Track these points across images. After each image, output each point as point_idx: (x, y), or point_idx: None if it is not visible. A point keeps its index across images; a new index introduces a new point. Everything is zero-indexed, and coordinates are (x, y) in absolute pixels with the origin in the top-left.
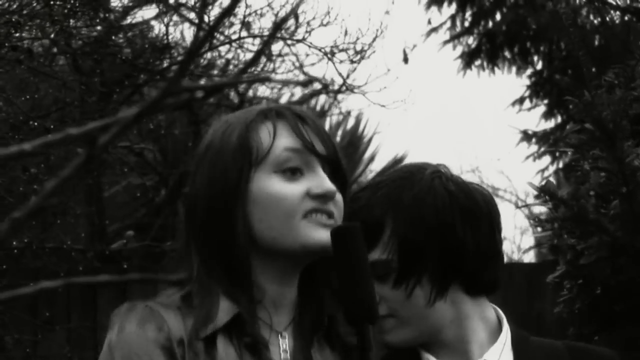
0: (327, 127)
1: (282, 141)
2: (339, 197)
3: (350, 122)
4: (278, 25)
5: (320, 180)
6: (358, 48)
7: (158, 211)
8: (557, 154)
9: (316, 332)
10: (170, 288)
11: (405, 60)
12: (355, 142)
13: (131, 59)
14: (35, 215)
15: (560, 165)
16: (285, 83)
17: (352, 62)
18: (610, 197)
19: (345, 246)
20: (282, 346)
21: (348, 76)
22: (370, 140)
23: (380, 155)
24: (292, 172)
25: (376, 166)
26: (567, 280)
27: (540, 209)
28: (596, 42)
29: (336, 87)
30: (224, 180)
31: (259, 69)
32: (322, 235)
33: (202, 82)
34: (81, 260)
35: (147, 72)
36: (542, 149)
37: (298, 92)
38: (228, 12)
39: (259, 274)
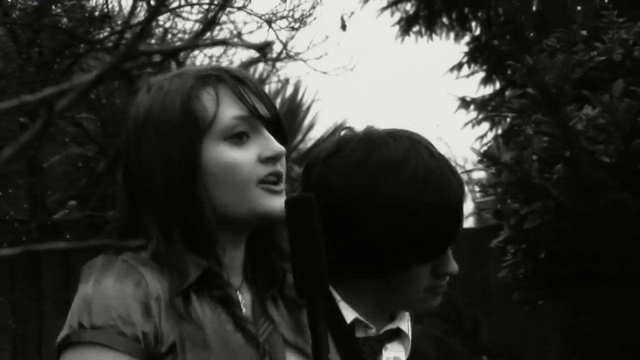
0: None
1: (227, 109)
2: (284, 156)
3: (289, 90)
4: None
5: (269, 143)
6: (297, 15)
7: (98, 181)
8: (497, 120)
9: (269, 289)
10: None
11: (343, 27)
12: (294, 110)
13: (70, 28)
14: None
15: (500, 131)
16: (243, 45)
17: (292, 29)
18: (554, 162)
19: (299, 217)
20: (242, 301)
21: (287, 43)
22: (309, 108)
23: (319, 123)
24: (239, 137)
25: (315, 134)
26: (510, 245)
27: (480, 175)
28: (534, 8)
29: (275, 54)
30: (176, 154)
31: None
32: (274, 204)
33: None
34: (24, 231)
35: (87, 42)
36: (481, 116)
37: (237, 60)
38: None
39: (215, 239)
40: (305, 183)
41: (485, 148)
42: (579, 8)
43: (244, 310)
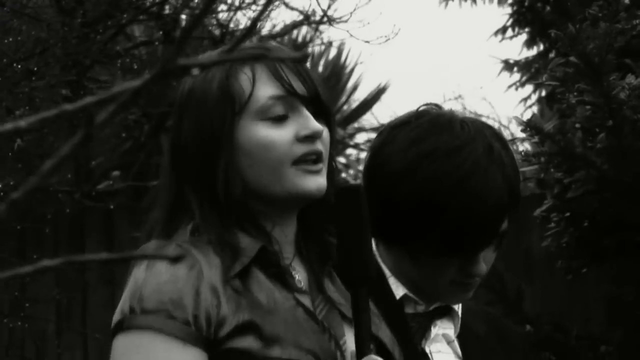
0: (309, 57)
1: (263, 88)
2: (325, 134)
3: (332, 53)
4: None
5: (306, 121)
6: None
7: (141, 148)
8: (541, 80)
9: (324, 265)
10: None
11: None
12: (337, 73)
13: None
14: (32, 194)
15: (543, 94)
16: (279, 59)
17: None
18: (597, 131)
19: (347, 206)
20: (296, 277)
21: (329, 7)
22: (352, 70)
23: (363, 85)
24: (278, 119)
25: (359, 96)
26: (554, 214)
27: (524, 144)
28: None
29: (317, 18)
30: (210, 131)
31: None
32: (310, 184)
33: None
34: (68, 201)
35: (132, 10)
36: (524, 78)
37: (280, 23)
38: None
39: (260, 214)
40: (370, 145)
41: (528, 113)
42: None
43: (299, 285)
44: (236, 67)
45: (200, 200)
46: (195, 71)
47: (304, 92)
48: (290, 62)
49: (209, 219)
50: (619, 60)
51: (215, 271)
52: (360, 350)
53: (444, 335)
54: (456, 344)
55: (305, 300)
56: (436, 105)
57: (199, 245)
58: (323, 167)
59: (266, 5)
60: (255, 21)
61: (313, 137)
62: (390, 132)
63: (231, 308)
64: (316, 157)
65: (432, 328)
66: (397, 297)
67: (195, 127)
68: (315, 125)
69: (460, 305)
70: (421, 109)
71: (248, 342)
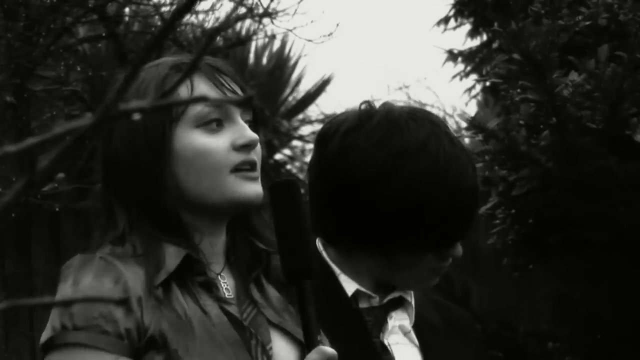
0: (252, 50)
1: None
2: (259, 145)
3: (276, 45)
4: None
5: (242, 130)
6: None
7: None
8: (484, 72)
9: (251, 273)
10: (105, 242)
11: None
12: (281, 65)
13: None
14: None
15: (488, 84)
16: (222, 102)
17: None
18: (541, 128)
19: (284, 202)
20: (224, 286)
21: (271, 2)
22: (296, 62)
23: (307, 78)
24: (212, 125)
25: (303, 87)
26: (499, 211)
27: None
28: None
29: (261, 11)
30: (145, 138)
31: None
32: (249, 190)
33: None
34: (13, 206)
35: (75, 11)
36: (468, 68)
37: (222, 15)
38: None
39: (189, 226)
40: (320, 153)
41: (473, 103)
42: None
43: (226, 294)
44: (172, 75)
45: (128, 209)
46: (136, 116)
47: (242, 99)
48: (228, 71)
49: (136, 228)
50: (562, 57)
51: (138, 282)
52: (310, 341)
53: (400, 327)
54: (412, 334)
55: (232, 310)
56: (368, 101)
57: (122, 257)
58: (258, 175)
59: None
60: (150, 48)
61: (249, 146)
62: (345, 139)
63: (152, 318)
64: (251, 167)
65: (388, 321)
66: (349, 293)
67: (128, 136)
68: (251, 134)
69: (412, 295)
70: (362, 109)
71: (161, 357)
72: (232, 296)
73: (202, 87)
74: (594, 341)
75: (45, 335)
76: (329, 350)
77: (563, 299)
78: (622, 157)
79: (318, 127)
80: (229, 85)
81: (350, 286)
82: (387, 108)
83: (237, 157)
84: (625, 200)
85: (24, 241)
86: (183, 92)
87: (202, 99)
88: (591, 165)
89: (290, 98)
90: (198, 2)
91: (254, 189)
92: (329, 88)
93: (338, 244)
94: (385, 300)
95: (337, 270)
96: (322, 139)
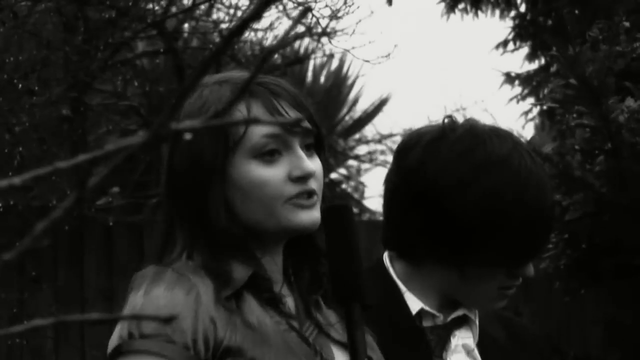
0: (310, 68)
1: (258, 127)
2: (318, 172)
3: (334, 64)
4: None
5: (299, 161)
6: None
7: (139, 162)
8: (541, 96)
9: (312, 294)
10: (165, 259)
11: (389, 1)
12: (339, 84)
13: (118, 9)
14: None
15: (545, 107)
16: (272, 124)
17: (335, 17)
18: (595, 153)
19: (336, 224)
20: (286, 304)
21: (330, 22)
22: (354, 81)
23: (364, 97)
24: (270, 154)
25: (360, 107)
26: (552, 236)
27: None
28: None
29: (319, 30)
30: (202, 165)
31: (238, 10)
32: (303, 218)
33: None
34: (67, 219)
35: (133, 27)
36: (525, 91)
37: (281, 34)
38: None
39: (248, 244)
40: (399, 164)
41: (529, 126)
42: None
43: (290, 312)
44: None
45: (190, 229)
46: (187, 136)
47: (301, 128)
48: (289, 95)
49: (199, 247)
50: (618, 83)
51: (210, 294)
52: None
53: (464, 346)
54: (476, 352)
55: (297, 326)
56: (450, 116)
57: (194, 270)
58: (317, 200)
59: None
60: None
61: (305, 178)
62: (427, 149)
63: (225, 330)
64: (308, 196)
65: (451, 339)
66: (414, 311)
67: (187, 159)
68: (307, 165)
69: (476, 313)
70: (446, 122)
71: None
72: (293, 314)
73: (258, 111)
74: None
75: (112, 344)
76: None
77: (613, 324)
78: None
79: (374, 147)
80: (286, 111)
81: (414, 304)
82: (471, 122)
83: (293, 189)
84: None
85: (76, 254)
86: (239, 117)
87: (254, 121)
88: None
89: (347, 117)
90: (256, 20)
91: (309, 216)
92: (386, 108)
93: (410, 257)
94: (449, 319)
95: (402, 287)
96: (401, 151)
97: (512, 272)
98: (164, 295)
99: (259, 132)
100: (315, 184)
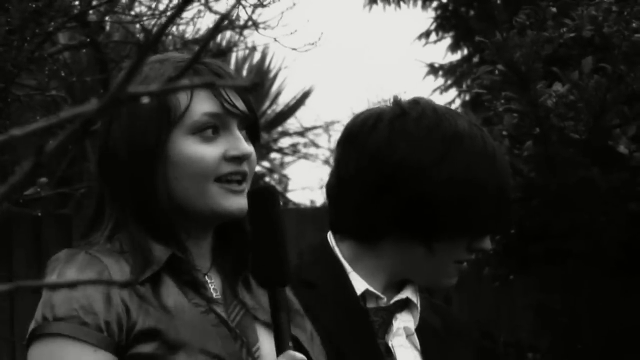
0: (233, 61)
1: (200, 104)
2: (253, 156)
3: (257, 57)
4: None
5: (236, 142)
6: None
7: (65, 153)
8: (464, 86)
9: (239, 274)
10: (90, 239)
11: None
12: (261, 77)
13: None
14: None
15: (467, 98)
16: (233, 86)
17: (261, 5)
18: (524, 139)
19: (261, 208)
20: (211, 286)
21: (253, 12)
22: (276, 74)
23: (287, 90)
24: (207, 133)
25: (283, 100)
26: None
27: None
28: None
29: (241, 22)
30: (143, 141)
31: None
32: (232, 203)
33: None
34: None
35: (59, 18)
36: (449, 82)
37: (204, 27)
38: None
39: (176, 225)
40: (362, 147)
41: None
42: None
43: (214, 294)
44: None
45: (120, 207)
46: (145, 99)
47: (241, 111)
48: (230, 79)
49: (125, 225)
50: (546, 69)
51: (122, 277)
52: (280, 347)
53: (405, 329)
54: (415, 337)
55: (219, 309)
56: (395, 96)
57: (109, 253)
58: (246, 187)
59: (181, 7)
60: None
61: (241, 158)
62: (392, 127)
63: (138, 313)
64: (241, 178)
65: (393, 322)
66: (359, 292)
67: (126, 135)
68: (245, 147)
69: (418, 298)
70: (398, 99)
71: (152, 348)
72: (219, 296)
73: (201, 94)
74: (574, 351)
75: (30, 328)
76: (298, 355)
77: (543, 309)
78: (605, 168)
79: (297, 139)
80: (227, 93)
81: (360, 285)
82: (427, 99)
83: (227, 168)
84: (605, 211)
85: (5, 245)
86: (182, 95)
87: (209, 85)
88: (573, 176)
89: (269, 110)
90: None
91: (237, 202)
92: (308, 101)
93: (365, 238)
94: (392, 301)
95: (348, 267)
96: (359, 134)
97: (471, 246)
98: (74, 277)
99: (200, 110)
100: (248, 169)
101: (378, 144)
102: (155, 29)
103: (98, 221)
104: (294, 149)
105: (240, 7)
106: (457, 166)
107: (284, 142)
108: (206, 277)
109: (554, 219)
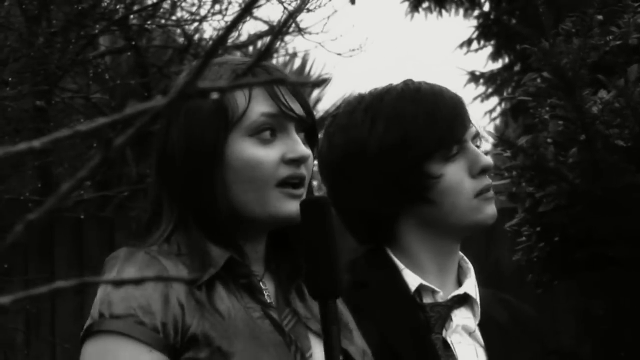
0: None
1: (257, 105)
2: (310, 159)
3: (297, 63)
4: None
5: (294, 144)
6: None
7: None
8: (505, 94)
9: (293, 282)
10: (148, 240)
11: (352, 1)
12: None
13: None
14: (50, 216)
15: (508, 106)
16: (301, 84)
17: (307, 10)
18: (569, 145)
19: (313, 218)
20: (266, 292)
21: (296, 18)
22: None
23: (327, 96)
24: (265, 135)
25: (323, 107)
26: (525, 228)
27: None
28: None
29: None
30: (201, 143)
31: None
32: (291, 208)
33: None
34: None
35: (103, 21)
36: (490, 90)
37: (245, 33)
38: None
39: (233, 229)
40: (321, 165)
41: (493, 124)
42: None
43: (268, 299)
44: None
45: (179, 209)
46: (214, 95)
47: (299, 114)
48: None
49: (184, 227)
50: (591, 76)
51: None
52: (330, 359)
53: (464, 327)
54: (478, 333)
55: (273, 314)
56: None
57: (168, 255)
58: (304, 192)
59: (239, 18)
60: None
61: (299, 161)
62: (327, 130)
63: (193, 317)
64: (299, 181)
65: (452, 317)
66: (413, 288)
67: (185, 138)
68: (303, 149)
69: (477, 293)
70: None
71: (205, 354)
72: (272, 302)
73: (258, 93)
74: (616, 358)
75: (85, 325)
76: None
77: (585, 315)
78: None
79: None
80: (285, 97)
81: (413, 280)
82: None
83: (286, 171)
84: None
85: (46, 247)
86: (240, 97)
87: (279, 81)
88: (618, 182)
89: None
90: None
91: (295, 206)
92: None
93: (390, 231)
94: (449, 297)
95: (400, 265)
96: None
97: (472, 171)
98: (134, 276)
99: (257, 111)
100: (307, 173)
101: (326, 153)
102: (196, 34)
103: (156, 222)
104: None
105: (285, 11)
106: (384, 116)
107: None
108: (261, 282)
109: (598, 225)
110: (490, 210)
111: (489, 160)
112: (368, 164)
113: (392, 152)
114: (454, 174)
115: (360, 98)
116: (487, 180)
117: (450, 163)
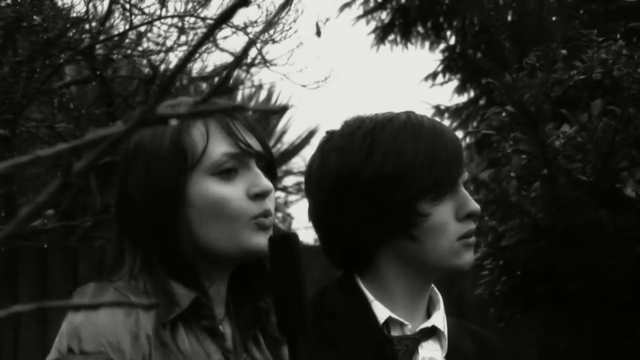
0: (239, 99)
1: (217, 145)
2: (273, 192)
3: (263, 95)
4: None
5: (257, 179)
6: (278, 28)
7: (70, 186)
8: (470, 128)
9: (251, 328)
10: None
11: (318, 33)
12: (267, 116)
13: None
14: (9, 242)
15: (472, 140)
16: (262, 111)
17: (272, 41)
18: (532, 180)
19: (282, 255)
20: (225, 335)
21: (261, 49)
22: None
23: (292, 129)
24: (228, 172)
25: (288, 139)
26: (487, 262)
27: None
28: (509, 18)
29: (249, 60)
30: (161, 186)
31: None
32: (261, 241)
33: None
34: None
35: (69, 51)
36: (455, 124)
37: (211, 64)
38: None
39: (199, 270)
40: (309, 188)
41: None
42: (553, 18)
43: (228, 343)
44: (188, 122)
45: (138, 250)
46: (173, 121)
47: (256, 149)
48: (243, 118)
49: (148, 267)
50: (555, 110)
51: (149, 319)
52: None
53: (430, 359)
54: None
55: (233, 358)
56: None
57: (135, 291)
58: (272, 223)
59: (197, 47)
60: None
61: (263, 195)
62: (321, 155)
63: (158, 356)
64: (266, 215)
65: (419, 350)
66: (381, 320)
67: (144, 181)
68: (265, 183)
69: (445, 324)
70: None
71: None
72: (230, 347)
73: (215, 131)
74: None
75: (51, 357)
76: None
77: (548, 349)
78: (612, 210)
79: (301, 178)
80: (241, 134)
81: (381, 313)
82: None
83: (256, 208)
84: (612, 252)
85: (10, 276)
86: (198, 137)
87: (240, 108)
88: (581, 218)
89: (274, 149)
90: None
91: (265, 239)
92: (314, 140)
93: (364, 259)
94: (417, 329)
95: (370, 297)
96: (346, 145)
97: (459, 215)
98: (104, 313)
99: (218, 151)
100: (271, 206)
101: (318, 171)
102: (162, 65)
103: (120, 262)
104: (299, 188)
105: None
106: (383, 148)
107: (288, 181)
108: (220, 325)
109: (560, 259)
110: (469, 257)
111: (476, 206)
112: (359, 190)
113: (386, 184)
114: (441, 215)
115: (360, 122)
116: (472, 225)
117: (439, 203)
